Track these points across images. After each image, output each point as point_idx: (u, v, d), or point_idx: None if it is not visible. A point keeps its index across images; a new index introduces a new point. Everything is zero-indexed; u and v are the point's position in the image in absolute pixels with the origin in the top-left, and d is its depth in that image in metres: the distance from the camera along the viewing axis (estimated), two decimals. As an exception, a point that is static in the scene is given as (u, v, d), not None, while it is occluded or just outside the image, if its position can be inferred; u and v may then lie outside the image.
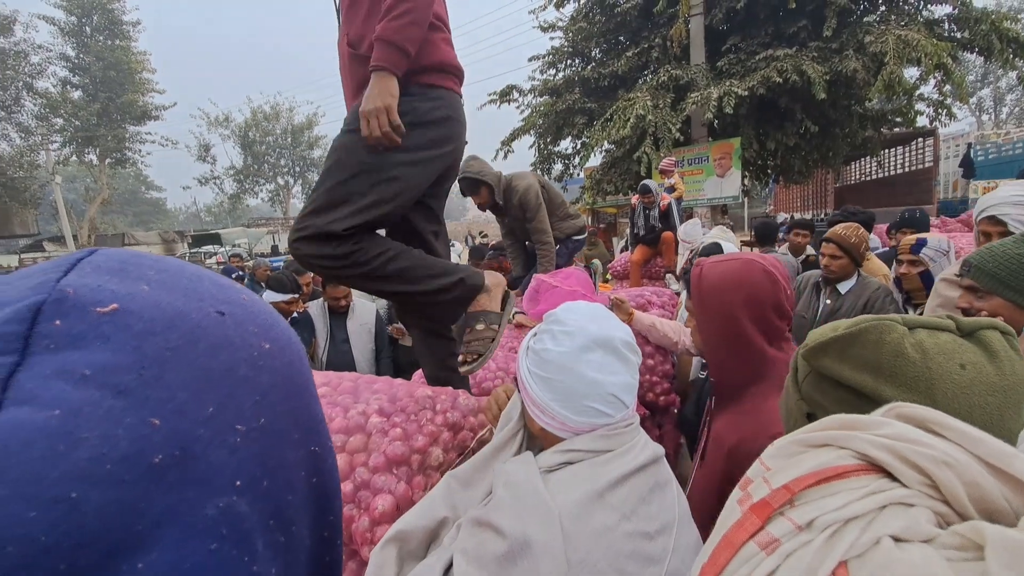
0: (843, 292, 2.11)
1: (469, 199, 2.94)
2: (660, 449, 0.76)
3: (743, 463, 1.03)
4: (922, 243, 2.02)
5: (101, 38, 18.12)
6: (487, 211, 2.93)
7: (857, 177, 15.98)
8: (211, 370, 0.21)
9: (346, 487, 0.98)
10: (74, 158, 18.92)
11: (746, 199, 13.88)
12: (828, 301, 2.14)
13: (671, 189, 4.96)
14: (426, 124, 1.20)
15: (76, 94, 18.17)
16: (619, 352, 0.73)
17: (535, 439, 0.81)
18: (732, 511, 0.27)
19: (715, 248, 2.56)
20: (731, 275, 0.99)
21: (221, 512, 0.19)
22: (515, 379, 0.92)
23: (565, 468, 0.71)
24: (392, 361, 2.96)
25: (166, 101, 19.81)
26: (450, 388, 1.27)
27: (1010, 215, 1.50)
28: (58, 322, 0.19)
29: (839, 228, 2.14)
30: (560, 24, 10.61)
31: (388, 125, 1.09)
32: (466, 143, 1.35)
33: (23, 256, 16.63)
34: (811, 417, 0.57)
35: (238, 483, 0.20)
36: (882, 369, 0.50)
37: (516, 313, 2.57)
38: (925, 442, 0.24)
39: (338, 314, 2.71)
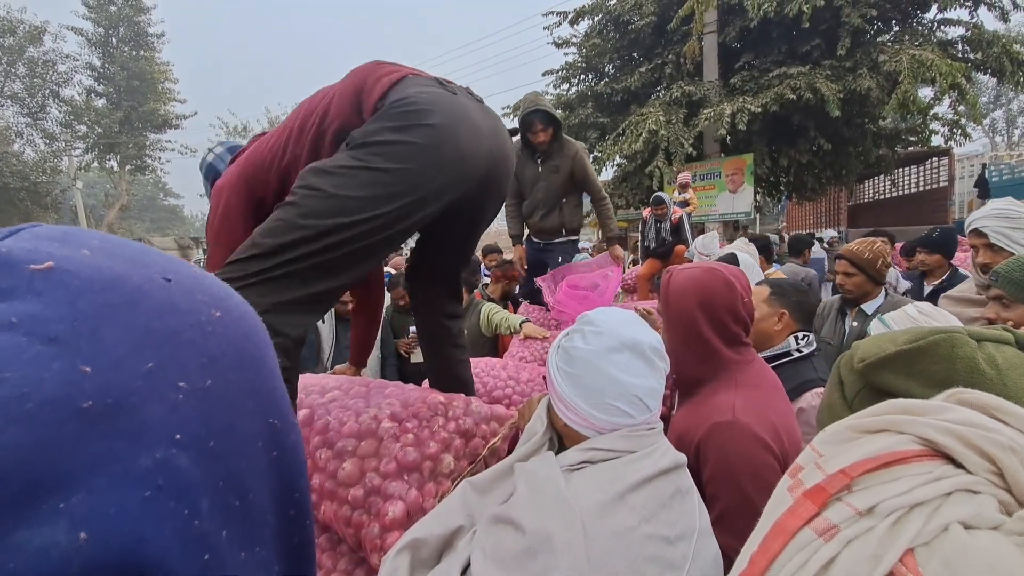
0: (869, 312, 1.99)
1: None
2: (682, 457, 0.76)
3: (686, 450, 0.97)
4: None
5: (126, 49, 18.65)
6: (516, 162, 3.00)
7: (871, 195, 15.86)
8: (152, 330, 0.21)
9: (356, 492, 0.97)
10: (95, 164, 19.38)
11: (758, 215, 13.80)
12: (855, 323, 2.01)
13: (684, 203, 4.94)
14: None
15: (100, 102, 18.66)
16: (646, 356, 0.75)
17: (562, 447, 0.81)
18: (781, 499, 0.26)
19: (731, 259, 2.54)
20: (694, 281, 1.08)
21: (157, 464, 0.19)
22: (544, 378, 0.92)
23: (586, 468, 0.71)
24: (398, 372, 2.97)
25: (187, 110, 20.26)
26: (463, 395, 1.26)
27: (989, 227, 1.56)
28: None
29: (853, 244, 2.06)
30: (574, 40, 10.74)
31: None
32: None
33: (42, 258, 16.93)
34: None
35: (178, 437, 0.20)
36: (956, 386, 0.47)
37: (523, 322, 2.56)
38: (991, 427, 0.24)
39: (344, 319, 2.74)
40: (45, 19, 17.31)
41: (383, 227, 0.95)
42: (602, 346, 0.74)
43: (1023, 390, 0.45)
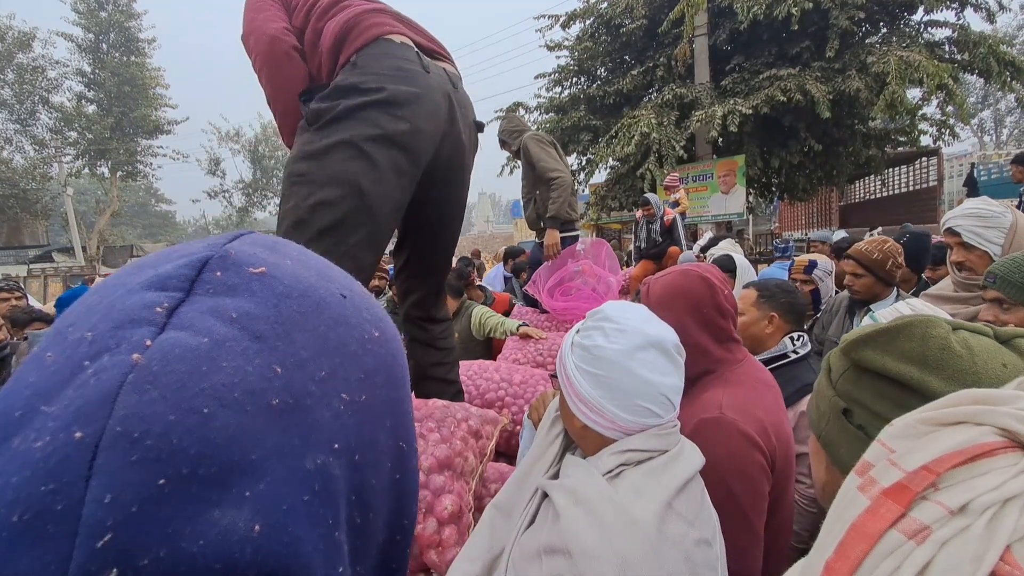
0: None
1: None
2: (701, 455, 0.76)
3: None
4: (814, 264, 2.26)
5: (117, 55, 18.52)
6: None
7: (861, 195, 16.00)
8: (328, 339, 0.23)
9: None
10: (86, 171, 19.17)
11: (751, 216, 13.90)
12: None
13: (675, 204, 4.95)
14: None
15: (90, 108, 18.46)
16: (670, 354, 0.74)
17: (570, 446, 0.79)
18: (853, 499, 0.24)
19: (726, 261, 2.54)
20: (674, 287, 1.08)
21: (318, 468, 0.21)
22: (553, 376, 0.90)
23: (625, 472, 0.69)
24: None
25: (178, 116, 20.09)
26: (451, 401, 1.26)
27: (962, 226, 1.56)
28: (219, 273, 0.23)
29: (861, 243, 2.00)
30: (566, 43, 10.78)
31: None
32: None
33: (32, 266, 16.66)
34: (846, 413, 0.56)
35: (336, 446, 0.22)
36: (928, 361, 0.50)
37: (521, 326, 2.54)
38: None
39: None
40: (34, 25, 17.16)
41: (386, 195, 1.09)
42: (628, 345, 0.71)
43: (994, 372, 0.47)
